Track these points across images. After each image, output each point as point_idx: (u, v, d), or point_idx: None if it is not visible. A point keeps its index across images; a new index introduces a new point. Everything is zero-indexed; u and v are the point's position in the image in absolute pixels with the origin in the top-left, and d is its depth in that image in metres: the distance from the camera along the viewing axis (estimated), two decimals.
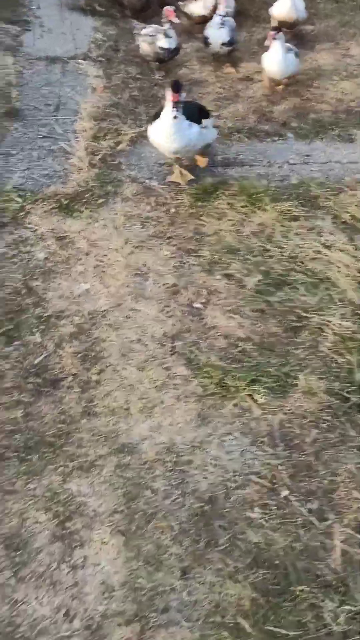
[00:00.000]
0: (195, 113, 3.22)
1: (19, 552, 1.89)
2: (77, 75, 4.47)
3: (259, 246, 3.07)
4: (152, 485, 2.08)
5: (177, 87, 2.98)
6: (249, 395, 2.37)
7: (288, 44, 4.09)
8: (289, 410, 2.35)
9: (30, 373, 2.42)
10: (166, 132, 3.11)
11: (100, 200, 3.26)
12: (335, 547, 1.94)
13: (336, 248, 3.06)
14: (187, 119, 3.12)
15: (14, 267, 2.88)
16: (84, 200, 3.25)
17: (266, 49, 4.08)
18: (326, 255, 3.02)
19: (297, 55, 4.12)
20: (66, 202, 3.21)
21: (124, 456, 2.16)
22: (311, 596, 1.82)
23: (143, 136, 3.69)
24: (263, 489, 2.09)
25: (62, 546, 1.92)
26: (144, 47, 4.36)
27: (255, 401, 2.36)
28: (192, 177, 3.37)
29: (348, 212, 3.28)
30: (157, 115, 3.21)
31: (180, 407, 2.34)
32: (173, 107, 3.00)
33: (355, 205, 3.33)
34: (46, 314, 2.67)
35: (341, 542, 1.95)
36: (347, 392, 2.41)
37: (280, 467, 2.16)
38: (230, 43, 4.36)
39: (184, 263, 2.96)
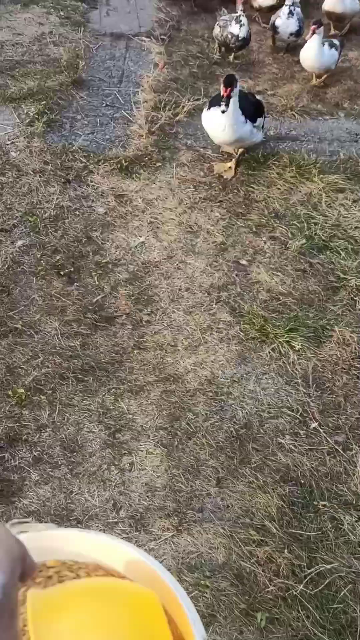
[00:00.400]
0: (251, 109, 3.24)
1: (74, 454, 2.16)
2: (140, 52, 4.73)
3: (304, 213, 3.26)
4: (194, 409, 2.32)
5: (229, 81, 2.97)
6: (287, 341, 2.58)
7: (332, 39, 4.18)
8: (322, 357, 2.55)
9: (88, 310, 2.69)
10: (220, 122, 3.13)
11: (158, 164, 3.51)
12: (358, 473, 2.14)
13: None
14: (243, 113, 3.13)
15: (77, 218, 3.15)
16: (142, 164, 3.50)
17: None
18: None
19: (338, 48, 4.15)
20: (126, 164, 3.46)
21: (169, 384, 2.41)
22: (332, 510, 2.03)
23: (200, 109, 3.91)
24: (294, 420, 2.31)
25: (112, 452, 2.18)
26: (216, 30, 4.48)
27: (292, 347, 2.57)
28: (234, 174, 3.43)
29: None
30: (213, 102, 3.25)
31: (222, 348, 2.57)
32: (222, 101, 3.02)
33: None
34: (104, 261, 2.94)
35: None
36: None
37: (311, 404, 2.37)
38: (298, 33, 4.49)
39: (233, 224, 3.18)
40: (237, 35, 4.31)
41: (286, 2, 4.48)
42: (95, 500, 2.04)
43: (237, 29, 4.29)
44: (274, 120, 3.96)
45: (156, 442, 2.21)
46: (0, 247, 2.95)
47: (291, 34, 4.49)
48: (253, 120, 3.24)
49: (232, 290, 2.83)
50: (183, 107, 3.96)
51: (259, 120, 3.32)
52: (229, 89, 2.98)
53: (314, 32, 3.93)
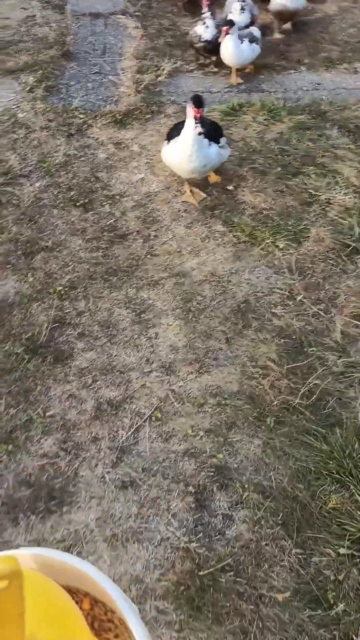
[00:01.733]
0: (213, 131, 3.18)
1: (110, 329, 2.72)
2: (118, 27, 5.29)
3: (278, 148, 3.85)
4: (202, 293, 2.90)
5: (199, 102, 2.88)
6: (272, 242, 3.17)
7: (251, 29, 4.37)
8: (302, 252, 3.15)
9: (104, 230, 3.25)
10: (186, 151, 3.06)
11: (147, 116, 4.08)
12: (337, 328, 2.74)
13: (341, 148, 3.84)
14: (205, 137, 3.07)
15: (83, 163, 3.71)
16: (134, 116, 4.06)
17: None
18: (333, 153, 3.81)
19: (259, 41, 4.32)
20: (120, 117, 4.03)
21: (179, 278, 2.98)
22: (318, 353, 2.62)
23: (179, 70, 4.52)
24: (284, 296, 2.90)
25: (140, 327, 2.74)
26: (190, 33, 4.61)
27: (277, 247, 3.16)
28: (205, 196, 3.39)
29: (352, 123, 4.06)
30: (171, 134, 3.19)
31: (219, 250, 3.15)
32: (196, 123, 2.92)
33: (358, 118, 4.10)
34: (111, 194, 3.50)
35: (341, 325, 2.75)
36: (349, 241, 3.19)
37: (297, 284, 2.96)
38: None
39: None
40: (200, 36, 4.42)
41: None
42: (132, 359, 2.60)
43: (202, 30, 4.42)
44: (244, 77, 4.56)
45: (174, 317, 2.78)
46: (23, 188, 3.49)
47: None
48: (216, 141, 3.19)
49: (222, 209, 3.41)
50: (163, 69, 4.54)
51: (222, 140, 3.27)
52: (200, 110, 2.90)
53: (226, 34, 4.09)
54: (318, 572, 1.94)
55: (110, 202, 3.45)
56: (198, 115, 2.91)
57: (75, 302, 2.84)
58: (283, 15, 4.99)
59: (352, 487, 2.13)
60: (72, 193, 3.48)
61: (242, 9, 4.61)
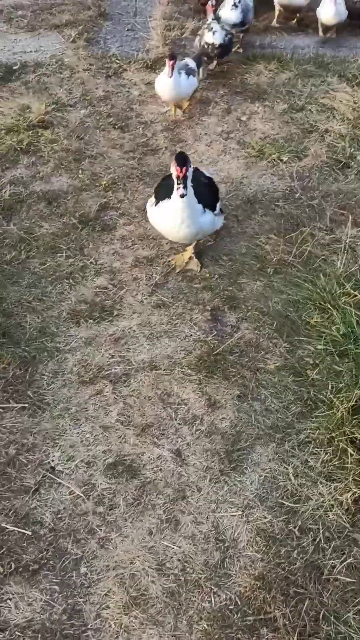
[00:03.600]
0: (208, 194, 2.97)
1: (144, 211, 3.49)
2: None
3: (286, 90, 4.62)
4: (220, 190, 3.66)
5: (182, 160, 2.64)
6: (278, 157, 3.94)
7: (186, 61, 4.19)
8: (302, 165, 3.91)
9: (139, 145, 4.03)
10: (175, 218, 2.80)
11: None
12: (327, 215, 3.49)
13: (340, 91, 4.61)
14: (200, 201, 2.83)
15: (119, 98, 4.50)
16: (162, 63, 4.83)
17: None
18: (332, 95, 4.57)
19: (195, 73, 4.15)
20: (150, 63, 4.82)
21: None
22: (310, 231, 3.37)
23: (199, 29, 5.30)
24: (285, 193, 3.66)
25: None
26: (196, 41, 4.68)
27: (281, 160, 3.93)
28: (201, 265, 3.14)
29: (350, 73, 4.82)
30: (159, 194, 2.93)
31: (234, 161, 3.93)
32: (178, 184, 2.65)
33: (356, 69, 4.86)
34: (144, 120, 4.28)
35: (330, 214, 3.50)
36: (341, 158, 3.95)
37: (296, 186, 3.71)
38: (242, 24, 4.81)
39: (234, 99, 4.53)
40: (213, 43, 4.48)
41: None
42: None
43: (210, 37, 4.48)
44: (257, 36, 5.33)
45: None
46: (70, 113, 4.29)
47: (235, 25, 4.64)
48: (212, 208, 2.95)
49: (237, 133, 4.19)
50: (187, 27, 5.32)
51: (218, 206, 3.06)
52: (183, 169, 2.64)
53: (172, 67, 3.86)
54: (301, 358, 2.70)
55: (143, 125, 4.23)
56: (181, 174, 2.64)
57: (116, 193, 3.62)
58: (288, 10, 5.50)
59: (330, 311, 2.88)
60: (111, 119, 4.27)
61: (235, 5, 4.70)
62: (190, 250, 3.16)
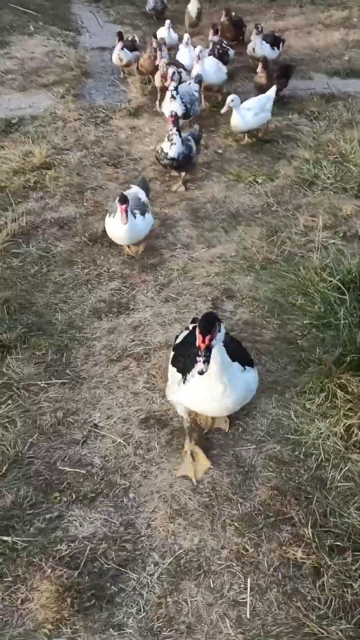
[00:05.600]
0: (243, 353, 2.50)
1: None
2: None
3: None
4: (205, 207, 4.29)
5: (207, 327, 2.05)
6: (253, 179, 4.59)
7: (137, 192, 3.83)
8: (275, 185, 4.57)
9: (132, 178, 4.66)
10: (220, 391, 2.26)
11: (154, 110, 5.59)
12: (300, 222, 4.12)
13: (301, 125, 5.35)
14: (234, 359, 2.29)
15: (109, 141, 5.19)
16: (143, 110, 5.58)
17: None
18: (295, 129, 5.30)
19: (150, 209, 3.81)
20: (133, 111, 5.54)
21: (189, 201, 4.37)
22: (288, 235, 3.98)
23: None
24: (263, 207, 4.30)
25: (164, 228, 4.10)
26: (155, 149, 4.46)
27: (257, 182, 4.59)
28: (209, 464, 2.56)
29: (309, 110, 5.58)
30: (183, 364, 2.39)
31: (215, 186, 4.58)
32: (200, 356, 2.05)
33: (313, 107, 5.64)
34: (133, 157, 4.95)
35: (303, 221, 4.13)
36: (307, 176, 4.62)
37: (271, 201, 4.35)
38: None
39: (209, 136, 5.22)
40: (167, 154, 4.27)
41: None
42: (161, 243, 3.95)
43: (167, 147, 4.25)
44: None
45: (189, 222, 4.16)
46: (68, 157, 4.94)
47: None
48: (251, 364, 2.46)
49: (215, 163, 4.85)
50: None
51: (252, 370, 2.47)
52: (207, 338, 2.05)
53: (126, 212, 3.46)
54: (290, 331, 3.25)
55: (133, 161, 4.89)
56: (203, 345, 2.05)
57: None
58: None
59: (311, 294, 3.45)
60: (104, 158, 4.93)
61: (173, 97, 4.74)
62: (193, 447, 2.61)
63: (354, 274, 3.48)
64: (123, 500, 2.44)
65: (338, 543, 2.24)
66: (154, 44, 5.55)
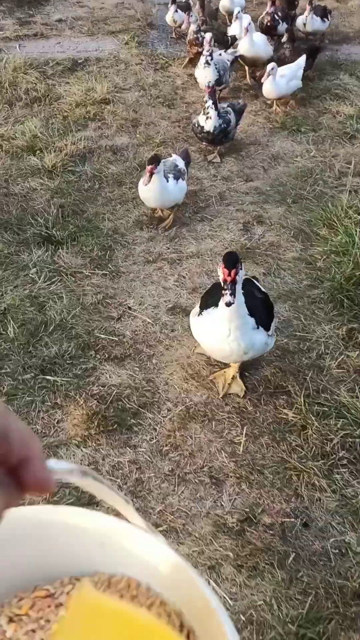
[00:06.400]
0: (262, 310, 2.57)
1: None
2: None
3: (305, 82, 5.68)
4: (248, 148, 4.67)
5: (231, 261, 2.25)
6: (297, 128, 4.95)
7: (175, 160, 3.86)
8: (317, 135, 4.92)
9: (183, 118, 5.08)
10: (221, 329, 2.41)
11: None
12: (335, 168, 4.47)
13: (349, 84, 5.66)
14: (252, 315, 2.45)
15: (166, 85, 5.61)
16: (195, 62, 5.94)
17: None
18: (344, 88, 5.61)
19: (184, 175, 3.80)
20: (190, 58, 5.92)
21: (235, 142, 4.76)
22: (321, 178, 4.35)
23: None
24: (302, 152, 4.65)
25: (211, 165, 4.51)
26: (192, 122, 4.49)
27: (300, 131, 4.94)
28: (245, 390, 2.75)
29: (359, 71, 5.88)
30: (205, 301, 2.61)
31: (261, 131, 4.94)
32: (225, 289, 2.25)
33: None
34: (186, 101, 5.35)
35: (338, 167, 4.48)
36: (348, 130, 4.95)
37: (311, 148, 4.71)
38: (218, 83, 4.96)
39: (256, 88, 5.59)
40: (202, 127, 4.30)
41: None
42: (203, 173, 4.37)
43: (203, 121, 4.29)
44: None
45: (233, 159, 4.55)
46: (127, 95, 5.37)
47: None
48: (267, 326, 2.56)
49: (263, 112, 5.21)
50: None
51: (273, 325, 2.65)
52: (232, 271, 2.23)
53: (151, 173, 3.50)
54: (311, 255, 3.64)
55: (186, 104, 5.30)
56: (229, 278, 2.24)
57: (166, 148, 4.65)
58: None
59: (335, 227, 3.82)
60: (159, 99, 5.35)
61: (207, 62, 4.89)
62: (234, 368, 2.77)
63: None
64: (147, 364, 2.91)
65: (325, 409, 2.66)
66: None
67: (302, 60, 5.30)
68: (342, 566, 2.10)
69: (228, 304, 2.27)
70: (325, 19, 6.40)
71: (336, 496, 2.34)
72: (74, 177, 4.27)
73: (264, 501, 2.32)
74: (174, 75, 5.76)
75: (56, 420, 2.61)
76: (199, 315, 2.59)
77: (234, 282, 2.26)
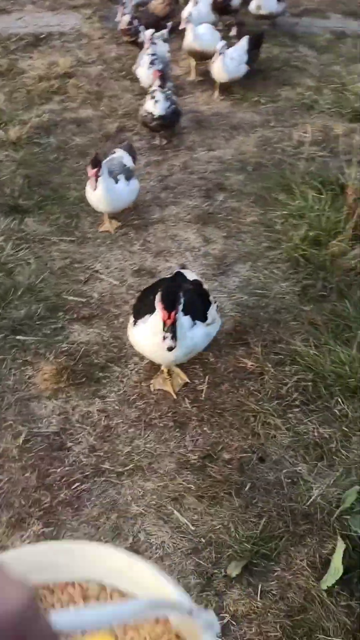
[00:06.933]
0: (197, 304, 2.47)
1: None
2: None
3: (264, 56, 5.82)
4: (212, 119, 4.82)
5: (170, 302, 2.13)
6: (257, 100, 5.11)
7: (121, 158, 3.63)
8: (276, 106, 5.08)
9: (146, 92, 5.19)
10: (159, 340, 2.24)
11: (173, 36, 6.07)
12: (293, 137, 4.65)
13: (308, 56, 5.82)
14: (187, 313, 2.33)
15: (128, 59, 5.72)
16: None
17: None
18: (302, 59, 5.78)
19: (132, 177, 3.55)
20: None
21: (197, 114, 4.90)
22: (281, 146, 4.53)
23: None
24: (262, 122, 4.82)
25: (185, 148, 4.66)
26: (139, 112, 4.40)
27: (260, 102, 5.10)
28: (186, 379, 2.75)
29: (318, 43, 6.04)
30: (139, 309, 2.48)
31: (222, 104, 5.09)
32: (165, 331, 2.16)
33: (323, 41, 6.09)
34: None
35: (297, 137, 4.67)
36: (306, 101, 5.13)
37: (271, 118, 4.88)
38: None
39: None
40: (152, 114, 4.19)
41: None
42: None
43: (151, 106, 4.19)
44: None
45: (195, 132, 4.70)
46: (90, 69, 5.47)
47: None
48: (203, 318, 2.47)
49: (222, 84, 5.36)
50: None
51: (211, 311, 2.54)
52: (172, 313, 2.13)
53: (96, 177, 3.34)
54: (270, 219, 3.82)
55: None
56: (169, 322, 2.14)
57: (130, 120, 4.77)
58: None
59: (293, 192, 4.00)
60: (122, 73, 5.46)
61: (152, 62, 4.70)
62: (180, 376, 2.78)
63: (332, 179, 4.05)
64: (114, 322, 3.08)
65: (281, 357, 2.87)
66: None
67: (244, 41, 5.13)
68: (294, 492, 2.32)
69: (170, 349, 2.19)
70: (282, 0, 6.29)
71: (290, 433, 2.55)
72: (39, 149, 4.39)
73: (223, 440, 2.52)
74: (137, 50, 5.86)
75: (27, 376, 2.77)
76: (134, 325, 2.47)
77: (174, 323, 2.15)
